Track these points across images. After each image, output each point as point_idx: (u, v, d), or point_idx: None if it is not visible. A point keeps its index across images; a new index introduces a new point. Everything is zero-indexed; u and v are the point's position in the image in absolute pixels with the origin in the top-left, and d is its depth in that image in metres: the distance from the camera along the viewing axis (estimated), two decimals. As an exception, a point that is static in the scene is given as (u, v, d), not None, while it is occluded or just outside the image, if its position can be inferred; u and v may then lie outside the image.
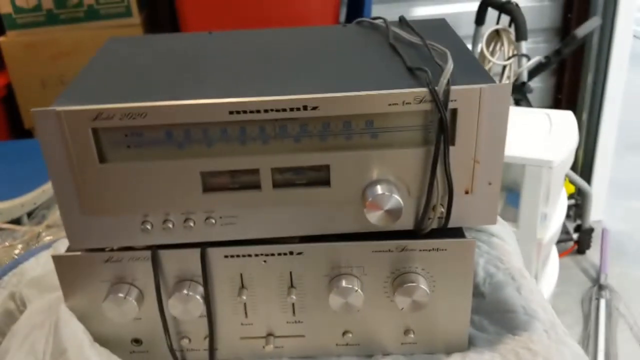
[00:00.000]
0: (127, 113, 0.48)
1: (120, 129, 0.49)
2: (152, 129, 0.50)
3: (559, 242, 1.76)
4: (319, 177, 0.52)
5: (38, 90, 1.53)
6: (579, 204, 2.11)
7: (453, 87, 0.48)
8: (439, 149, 0.50)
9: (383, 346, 0.60)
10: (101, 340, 0.57)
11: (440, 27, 0.65)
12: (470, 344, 0.59)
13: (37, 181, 1.17)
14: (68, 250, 0.56)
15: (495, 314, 0.62)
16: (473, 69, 0.53)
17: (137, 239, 0.54)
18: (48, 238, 0.99)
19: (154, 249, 0.55)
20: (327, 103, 0.49)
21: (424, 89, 0.48)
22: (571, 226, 2.09)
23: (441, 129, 0.49)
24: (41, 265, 0.82)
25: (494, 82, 0.50)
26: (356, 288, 0.55)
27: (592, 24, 1.76)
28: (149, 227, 0.53)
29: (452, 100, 0.49)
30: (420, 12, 2.10)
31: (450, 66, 0.49)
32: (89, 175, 0.51)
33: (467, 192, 0.53)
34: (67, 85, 0.53)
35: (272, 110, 0.49)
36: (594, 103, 2.06)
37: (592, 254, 2.05)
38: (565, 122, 1.44)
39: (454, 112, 0.49)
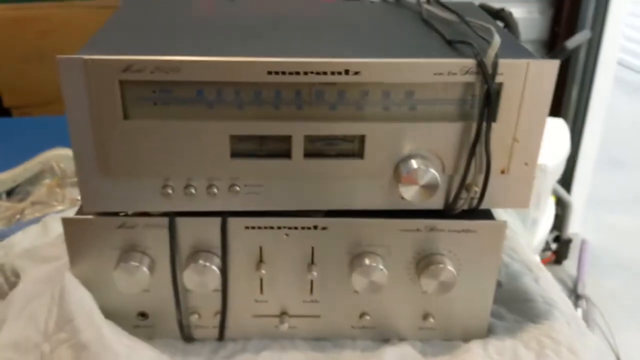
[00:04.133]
0: (159, 66, 0.45)
1: (149, 84, 0.47)
2: (183, 85, 0.47)
3: (537, 251, 1.77)
4: (352, 148, 0.50)
5: (20, 67, 1.47)
6: (558, 215, 2.13)
7: (501, 60, 0.47)
8: (481, 124, 0.48)
9: (400, 331, 0.58)
10: (104, 312, 0.54)
11: (470, 9, 0.64)
12: (488, 331, 0.58)
13: (17, 160, 1.11)
14: (79, 213, 0.52)
15: (513, 303, 0.61)
16: (514, 46, 0.52)
17: (155, 204, 0.51)
18: (33, 216, 0.95)
19: (172, 216, 0.52)
20: (370, 69, 0.47)
21: (472, 60, 0.47)
22: (550, 236, 2.10)
23: (486, 102, 0.47)
24: (30, 239, 0.78)
25: (539, 57, 0.48)
26: (381, 266, 0.53)
27: (582, 37, 1.78)
28: (169, 191, 0.50)
29: (498, 74, 0.47)
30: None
31: (497, 40, 0.47)
32: (111, 131, 0.47)
33: (502, 172, 0.51)
34: (93, 35, 0.50)
35: (312, 72, 0.46)
36: (577, 116, 2.09)
37: (569, 264, 2.07)
38: (557, 130, 1.45)
39: (499, 86, 0.48)
